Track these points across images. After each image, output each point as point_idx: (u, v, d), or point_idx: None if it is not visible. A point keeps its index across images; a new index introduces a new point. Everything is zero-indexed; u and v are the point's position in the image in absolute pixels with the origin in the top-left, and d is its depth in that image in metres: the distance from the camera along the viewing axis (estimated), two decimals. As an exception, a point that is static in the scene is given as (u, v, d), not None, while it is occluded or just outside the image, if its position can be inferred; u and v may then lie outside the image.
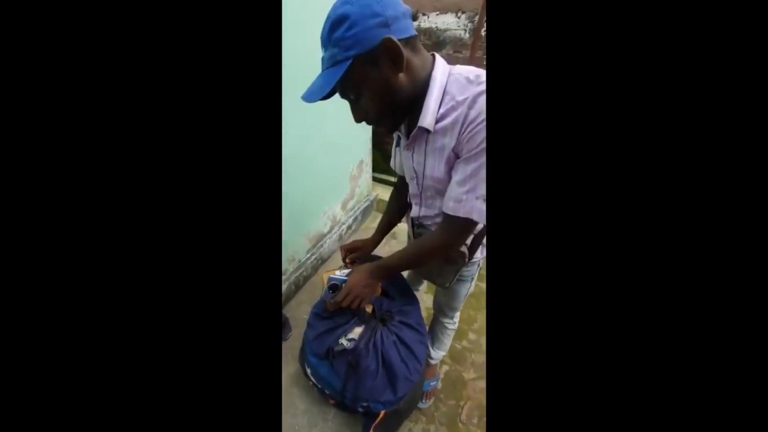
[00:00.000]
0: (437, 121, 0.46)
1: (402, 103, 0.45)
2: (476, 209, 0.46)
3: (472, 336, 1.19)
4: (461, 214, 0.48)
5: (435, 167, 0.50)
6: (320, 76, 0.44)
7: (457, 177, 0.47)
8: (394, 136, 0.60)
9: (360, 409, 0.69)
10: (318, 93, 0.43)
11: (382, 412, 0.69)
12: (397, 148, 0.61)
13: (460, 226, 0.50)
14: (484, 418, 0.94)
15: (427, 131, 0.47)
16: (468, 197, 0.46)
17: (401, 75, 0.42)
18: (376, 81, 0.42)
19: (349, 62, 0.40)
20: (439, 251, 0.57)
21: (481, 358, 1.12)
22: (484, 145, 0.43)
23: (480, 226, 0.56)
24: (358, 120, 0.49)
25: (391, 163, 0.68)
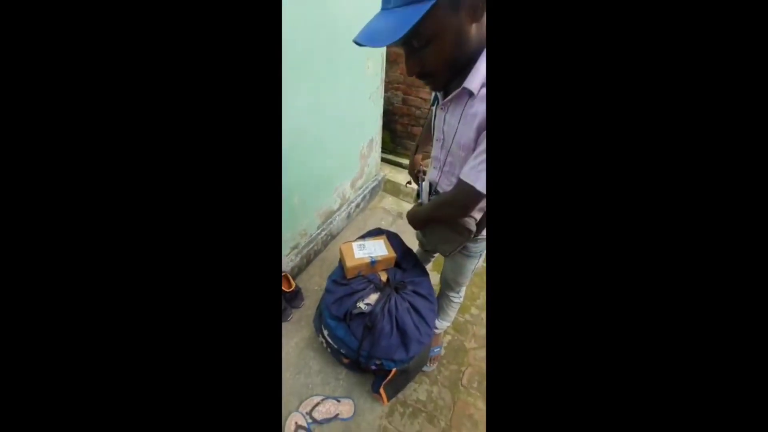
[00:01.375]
0: (482, 86, 0.44)
1: (464, 57, 0.43)
2: (480, 180, 0.47)
3: (474, 311, 1.25)
4: (469, 180, 0.49)
5: (464, 133, 0.50)
6: (387, 15, 0.39)
7: (478, 149, 0.48)
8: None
9: (373, 367, 0.76)
10: (390, 35, 0.37)
11: (394, 370, 0.76)
12: (434, 107, 0.59)
13: (466, 191, 0.50)
14: (483, 383, 1.02)
15: (470, 94, 0.46)
16: (479, 167, 0.48)
17: (474, 26, 0.40)
18: (452, 29, 0.39)
19: (430, 4, 0.36)
20: (447, 207, 0.59)
21: (481, 330, 1.19)
22: None
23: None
24: (410, 72, 0.46)
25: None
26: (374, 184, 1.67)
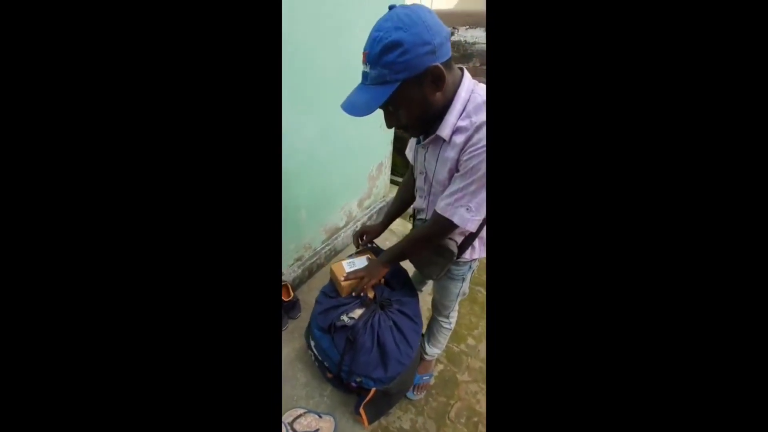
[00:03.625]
0: (452, 134, 0.53)
1: (433, 114, 0.53)
2: (458, 215, 0.56)
3: (471, 341, 1.21)
4: (447, 215, 0.57)
5: (441, 172, 0.59)
6: (364, 90, 0.49)
7: (452, 187, 0.56)
8: None
9: (354, 384, 0.76)
10: (364, 109, 0.47)
11: (373, 390, 0.76)
12: (417, 145, 0.68)
13: (443, 224, 0.59)
14: (472, 419, 0.96)
15: (443, 140, 0.55)
16: (455, 204, 0.55)
17: (438, 94, 0.49)
18: (417, 99, 0.49)
19: (397, 84, 0.45)
20: (426, 241, 0.67)
21: (476, 363, 1.14)
22: (477, 168, 0.50)
23: (469, 230, 0.63)
24: (389, 126, 0.57)
25: (407, 152, 0.76)
26: (382, 204, 1.74)
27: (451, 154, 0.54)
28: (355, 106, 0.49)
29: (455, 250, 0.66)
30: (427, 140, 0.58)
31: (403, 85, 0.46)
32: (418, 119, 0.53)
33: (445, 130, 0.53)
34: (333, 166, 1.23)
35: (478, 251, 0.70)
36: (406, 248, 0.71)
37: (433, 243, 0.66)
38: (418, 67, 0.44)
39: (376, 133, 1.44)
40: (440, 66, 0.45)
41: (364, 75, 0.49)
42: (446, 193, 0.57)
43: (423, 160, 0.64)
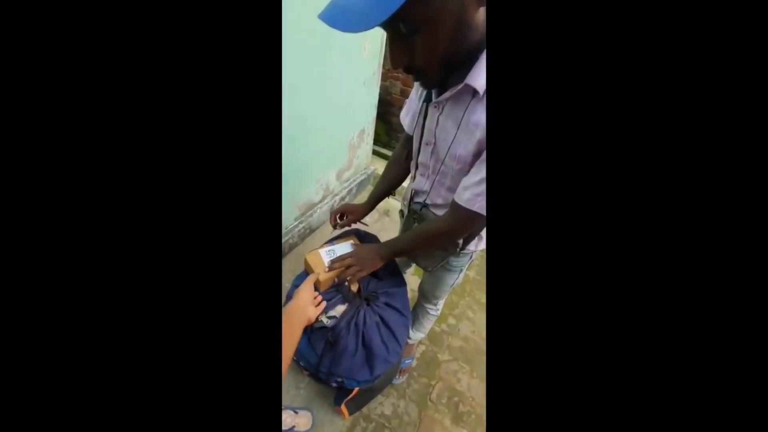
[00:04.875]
0: None
1: (465, 51, 0.34)
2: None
3: (451, 320, 1.20)
4: (475, 209, 0.42)
5: (462, 143, 0.42)
6: None
7: (480, 170, 0.40)
8: (416, 84, 0.49)
9: (334, 384, 0.69)
10: (365, 19, 0.26)
11: (356, 389, 0.69)
12: (424, 103, 0.47)
13: (469, 218, 0.45)
14: (453, 399, 0.98)
15: (474, 93, 0.37)
16: (485, 194, 0.41)
17: (481, 11, 0.31)
18: (452, 14, 0.30)
19: None
20: (444, 239, 0.54)
21: (457, 342, 1.14)
22: None
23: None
24: (396, 64, 0.35)
25: (402, 116, 0.58)
26: (363, 177, 1.58)
27: (483, 116, 0.37)
28: (348, 14, 0.27)
29: (460, 242, 0.55)
30: (446, 95, 0.39)
31: None
32: (444, 53, 0.33)
33: (479, 78, 0.34)
34: (311, 131, 1.02)
35: (484, 241, 0.61)
36: (415, 244, 0.57)
37: (452, 241, 0.54)
38: None
39: (358, 92, 1.22)
40: None
41: None
42: (473, 179, 0.41)
43: (434, 126, 0.45)
